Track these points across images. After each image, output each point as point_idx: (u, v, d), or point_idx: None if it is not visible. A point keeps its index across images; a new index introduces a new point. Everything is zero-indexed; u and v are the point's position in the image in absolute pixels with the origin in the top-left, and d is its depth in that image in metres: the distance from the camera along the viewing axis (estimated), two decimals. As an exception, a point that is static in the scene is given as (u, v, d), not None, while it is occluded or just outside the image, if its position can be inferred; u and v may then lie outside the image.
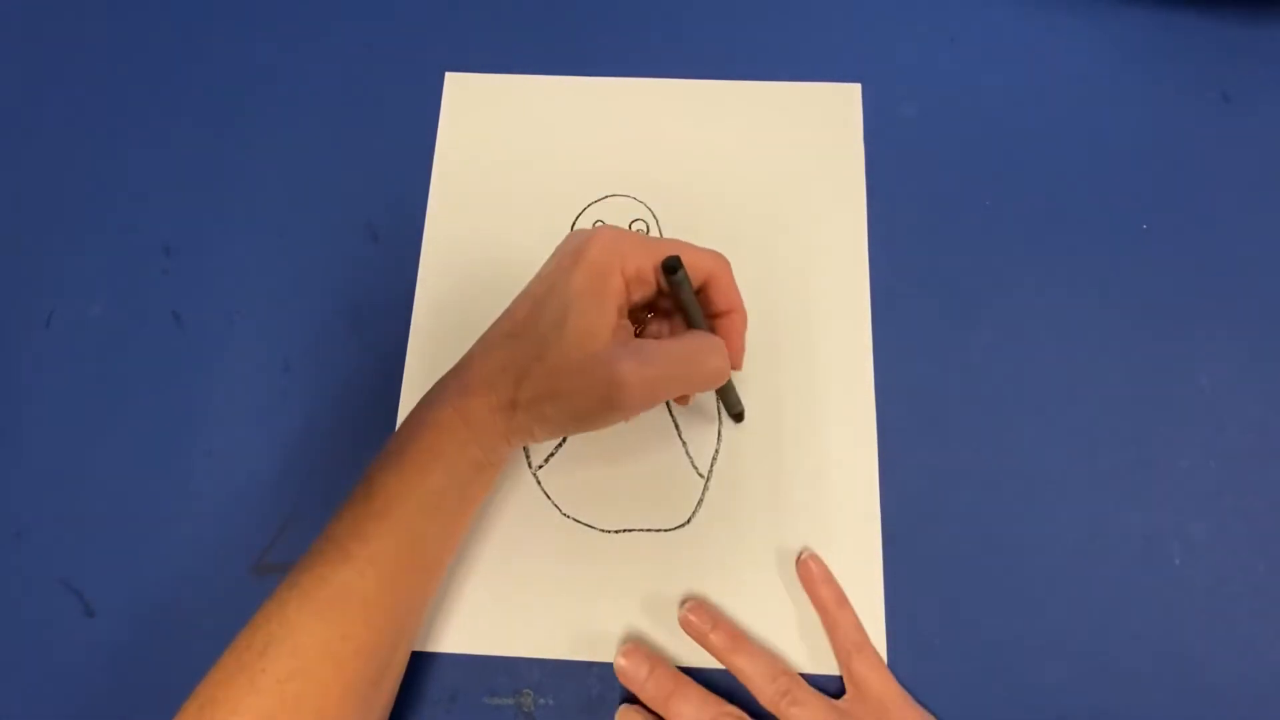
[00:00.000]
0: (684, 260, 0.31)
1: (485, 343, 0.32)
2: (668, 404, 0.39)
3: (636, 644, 0.35)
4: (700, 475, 0.38)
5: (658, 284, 0.32)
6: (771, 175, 0.42)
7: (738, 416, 0.38)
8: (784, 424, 0.38)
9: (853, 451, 0.38)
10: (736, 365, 0.34)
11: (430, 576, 0.33)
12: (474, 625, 0.36)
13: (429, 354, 0.40)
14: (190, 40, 0.46)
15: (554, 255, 0.32)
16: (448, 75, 0.45)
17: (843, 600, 0.35)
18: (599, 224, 0.33)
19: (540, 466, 0.38)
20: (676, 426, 0.38)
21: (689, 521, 0.37)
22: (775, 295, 0.40)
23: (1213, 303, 0.39)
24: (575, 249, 0.31)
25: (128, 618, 0.37)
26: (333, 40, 0.46)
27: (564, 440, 0.38)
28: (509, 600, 0.36)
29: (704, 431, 0.38)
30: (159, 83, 0.46)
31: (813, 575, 0.35)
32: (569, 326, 0.29)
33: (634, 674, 0.34)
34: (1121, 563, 0.36)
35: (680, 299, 0.32)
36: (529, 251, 0.41)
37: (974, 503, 0.37)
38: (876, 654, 0.34)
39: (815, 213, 0.41)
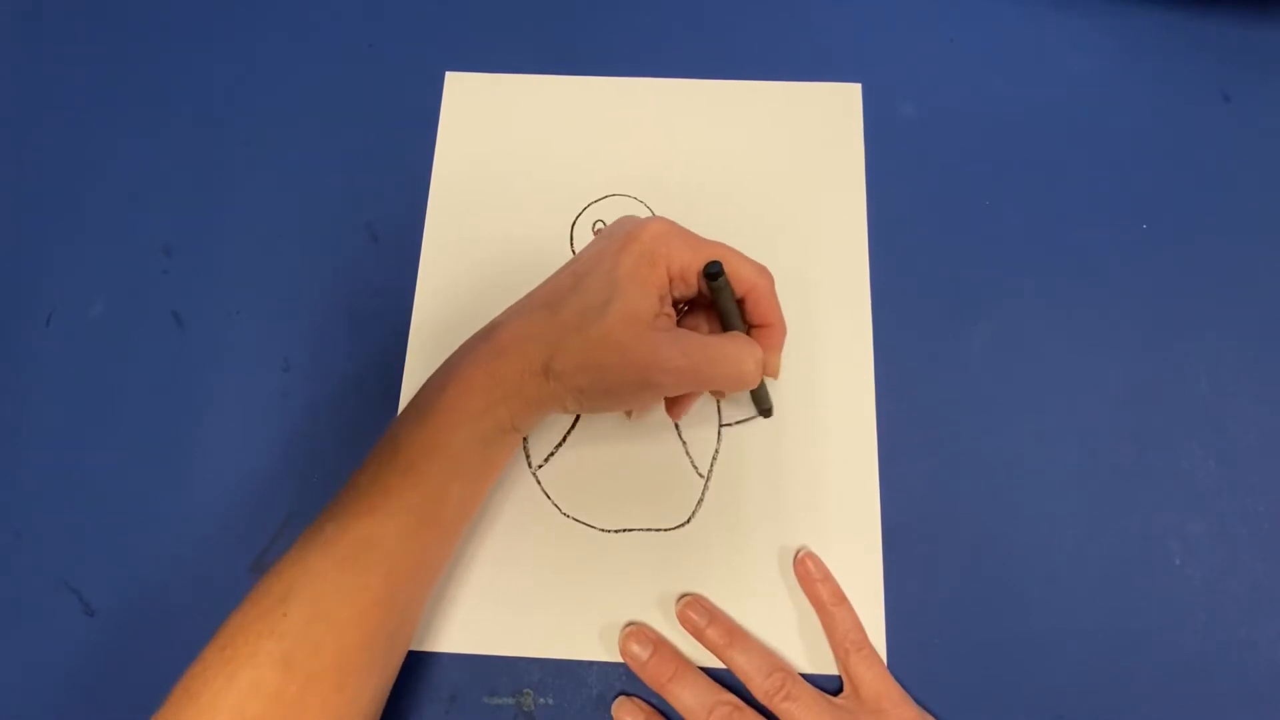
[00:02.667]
0: (727, 269, 0.31)
1: (519, 310, 0.33)
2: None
3: (642, 626, 0.35)
4: (700, 475, 0.38)
5: (699, 285, 0.32)
6: (772, 175, 0.42)
7: (766, 412, 0.38)
8: (784, 424, 0.38)
9: (853, 451, 0.38)
10: (772, 373, 0.35)
11: (449, 537, 0.33)
12: (474, 625, 0.36)
13: (429, 354, 0.40)
14: (190, 40, 0.46)
15: (603, 236, 0.33)
16: (448, 75, 0.45)
17: (840, 598, 0.35)
18: (627, 217, 0.34)
19: (540, 466, 0.38)
20: (677, 426, 0.38)
21: (689, 521, 0.37)
22: (774, 295, 0.40)
23: (1213, 303, 0.39)
24: (627, 233, 0.32)
25: (127, 617, 0.37)
26: (333, 40, 0.46)
27: (564, 440, 0.38)
28: (509, 600, 0.36)
29: (704, 431, 0.38)
30: (159, 83, 0.46)
31: (810, 574, 0.35)
32: (614, 305, 0.30)
33: (637, 654, 0.34)
34: (1121, 563, 0.36)
35: (719, 304, 0.32)
36: (529, 251, 0.41)
37: (974, 503, 0.37)
38: (874, 652, 0.34)
39: (815, 213, 0.41)
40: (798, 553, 0.36)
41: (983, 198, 0.41)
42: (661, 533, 0.37)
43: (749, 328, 0.34)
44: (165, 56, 0.46)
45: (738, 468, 0.38)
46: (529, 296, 0.33)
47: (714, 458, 0.38)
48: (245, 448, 0.39)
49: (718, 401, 0.38)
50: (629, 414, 0.38)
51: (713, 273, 0.31)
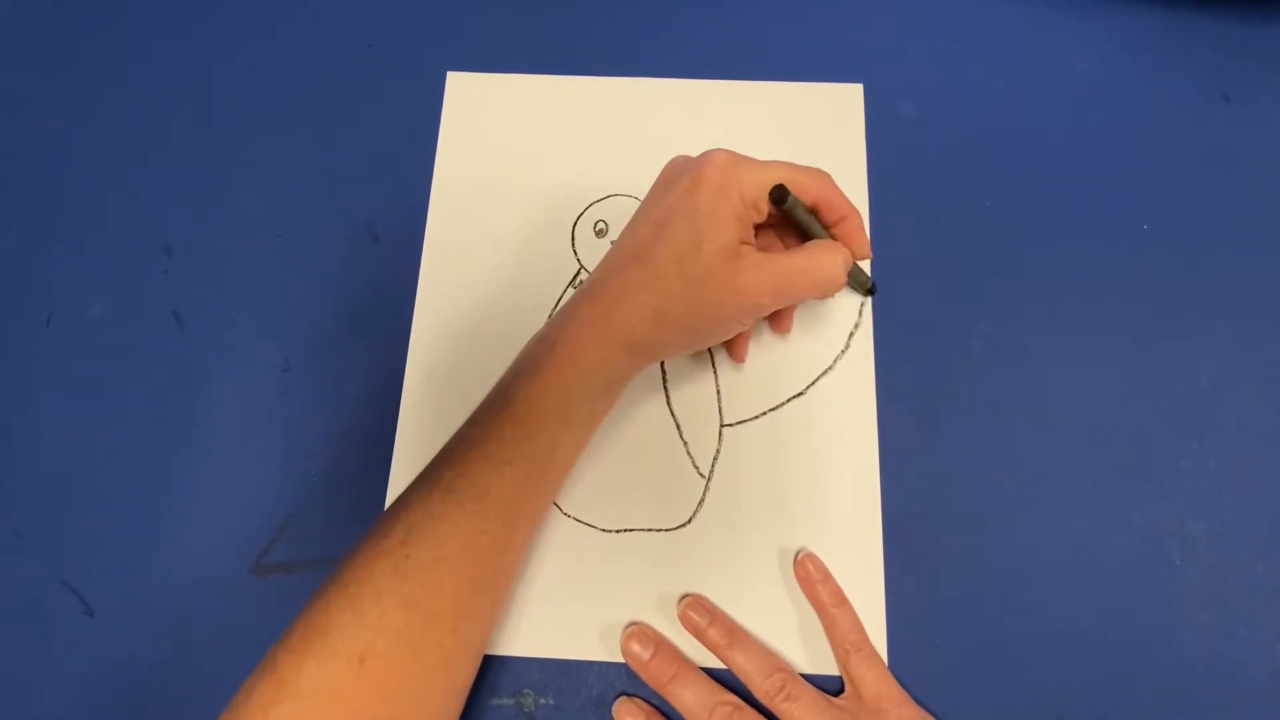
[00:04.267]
0: (789, 185, 0.33)
1: (611, 268, 0.33)
2: (668, 404, 0.39)
3: (643, 626, 0.35)
4: (701, 475, 0.38)
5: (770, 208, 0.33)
6: (772, 175, 0.42)
7: (870, 291, 0.39)
8: (784, 424, 0.38)
9: (853, 451, 0.38)
10: (866, 254, 0.36)
11: (555, 485, 0.34)
12: (474, 625, 0.36)
13: (429, 354, 0.40)
14: (190, 40, 0.46)
15: (667, 180, 0.34)
16: (449, 75, 0.45)
17: (840, 599, 0.35)
18: (676, 157, 0.35)
19: (541, 466, 0.38)
20: (677, 426, 0.38)
21: (689, 521, 0.37)
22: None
23: (1213, 303, 0.39)
24: (695, 172, 0.32)
25: (128, 618, 0.37)
26: (334, 40, 0.46)
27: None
28: (509, 600, 0.36)
29: (704, 431, 0.38)
30: (159, 83, 0.46)
31: (810, 575, 0.35)
32: (705, 244, 0.31)
33: (639, 654, 0.34)
34: (1121, 563, 0.36)
35: (796, 221, 0.34)
36: (529, 251, 0.41)
37: (974, 502, 0.37)
38: (875, 653, 0.34)
39: (815, 213, 0.41)
40: (797, 554, 0.36)
41: (983, 198, 0.41)
42: (662, 533, 0.37)
43: (829, 231, 0.35)
44: (165, 57, 0.46)
45: (738, 468, 0.38)
46: (614, 253, 0.34)
47: (715, 458, 0.38)
48: (245, 448, 0.39)
49: (718, 401, 0.38)
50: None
51: (779, 197, 0.32)
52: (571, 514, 0.37)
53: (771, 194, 0.32)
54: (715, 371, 0.39)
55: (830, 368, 0.39)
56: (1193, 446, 0.37)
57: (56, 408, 0.40)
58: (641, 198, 0.35)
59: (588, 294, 0.33)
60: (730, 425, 0.38)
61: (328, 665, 0.27)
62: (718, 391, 0.39)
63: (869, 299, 0.40)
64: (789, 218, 0.34)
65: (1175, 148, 0.42)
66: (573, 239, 0.42)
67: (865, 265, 0.40)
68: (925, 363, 0.39)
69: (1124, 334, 0.39)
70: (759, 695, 0.33)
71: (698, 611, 0.35)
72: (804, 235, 0.35)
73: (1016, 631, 0.35)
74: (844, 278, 0.33)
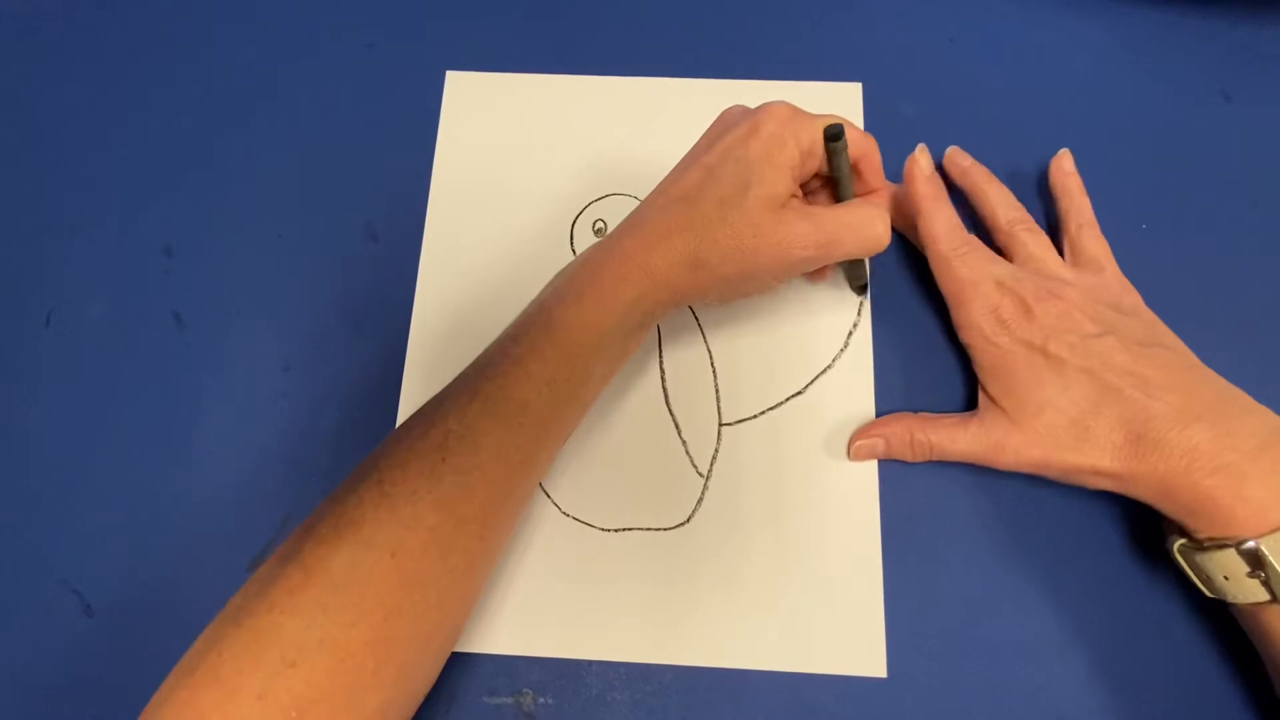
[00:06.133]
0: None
1: (655, 207, 0.34)
2: (667, 403, 0.39)
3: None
4: (700, 475, 0.38)
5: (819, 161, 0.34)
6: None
7: (862, 289, 0.39)
8: (783, 423, 0.38)
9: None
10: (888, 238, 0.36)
11: (583, 412, 0.35)
12: (474, 625, 0.36)
13: (429, 354, 0.40)
14: (190, 40, 0.47)
15: (721, 127, 0.35)
16: (449, 74, 0.45)
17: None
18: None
19: (540, 466, 0.38)
20: (676, 426, 0.38)
21: (689, 521, 0.37)
22: (775, 294, 0.40)
23: (1213, 303, 0.39)
24: (753, 120, 0.33)
25: (127, 617, 0.37)
26: (333, 40, 0.46)
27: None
28: (509, 600, 0.36)
29: (703, 431, 0.38)
30: (159, 83, 0.46)
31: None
32: (752, 191, 0.32)
33: (923, 165, 0.37)
34: (1121, 562, 0.36)
35: (835, 169, 0.34)
36: (529, 251, 0.41)
37: (974, 502, 0.37)
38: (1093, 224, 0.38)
39: (815, 212, 0.41)
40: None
41: (983, 197, 0.41)
42: (661, 532, 0.37)
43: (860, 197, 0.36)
44: (165, 57, 0.46)
45: (738, 467, 0.38)
46: (660, 192, 0.34)
47: (714, 457, 0.38)
48: (245, 448, 0.39)
49: (717, 400, 0.38)
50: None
51: (835, 133, 0.32)
52: (571, 513, 0.37)
53: (828, 129, 0.32)
54: (714, 371, 0.39)
55: (829, 367, 0.39)
56: (1193, 446, 0.37)
57: (56, 408, 0.40)
58: (641, 197, 0.35)
59: (631, 228, 0.34)
60: (729, 424, 0.38)
61: (359, 556, 0.27)
62: (717, 391, 0.39)
63: (866, 298, 0.40)
64: (831, 165, 0.34)
65: (1175, 148, 0.42)
66: (571, 238, 0.42)
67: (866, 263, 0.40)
68: (925, 362, 0.39)
69: (1124, 334, 0.39)
70: (1004, 223, 0.37)
71: (963, 156, 0.40)
72: (835, 198, 0.35)
73: (1016, 631, 0.35)
74: (888, 237, 0.33)
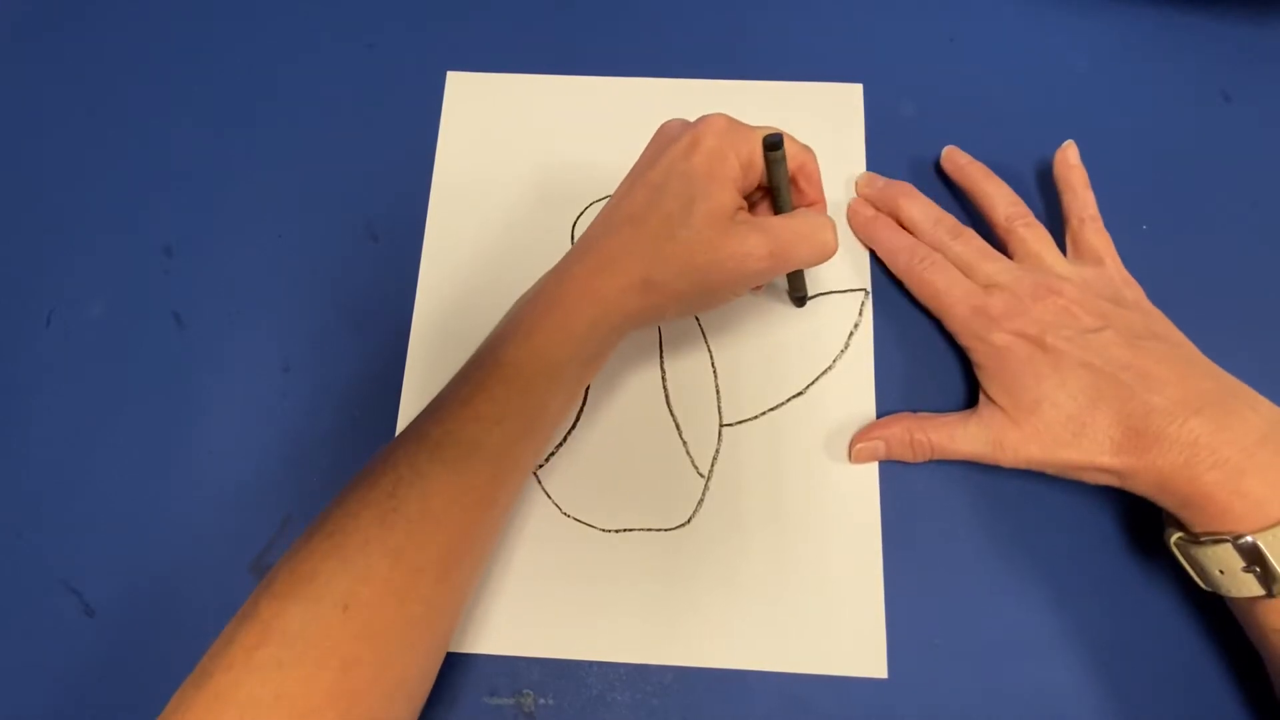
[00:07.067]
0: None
1: (604, 228, 0.33)
2: (668, 403, 0.39)
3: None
4: (700, 475, 0.38)
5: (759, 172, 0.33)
6: (772, 175, 0.42)
7: (799, 301, 0.39)
8: (784, 424, 0.38)
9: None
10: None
11: (543, 443, 0.34)
12: (474, 625, 0.36)
13: (429, 354, 0.40)
14: (190, 40, 0.46)
15: (663, 140, 0.34)
16: (449, 74, 0.45)
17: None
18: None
19: (540, 466, 0.38)
20: (677, 426, 0.38)
21: (689, 521, 0.37)
22: (775, 295, 0.40)
23: (1213, 303, 0.39)
24: (693, 134, 0.33)
25: (127, 617, 0.37)
26: (333, 40, 0.46)
27: (564, 440, 0.38)
28: (509, 600, 0.36)
29: (704, 431, 0.38)
30: (159, 83, 0.46)
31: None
32: (697, 207, 0.31)
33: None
34: (1121, 562, 0.36)
35: (775, 179, 0.33)
36: (530, 251, 0.41)
37: (974, 502, 0.37)
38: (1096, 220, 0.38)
39: (815, 213, 0.41)
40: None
41: (983, 198, 0.41)
42: (661, 532, 0.37)
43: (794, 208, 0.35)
44: (165, 57, 0.46)
45: (738, 468, 0.38)
46: (608, 213, 0.34)
47: (714, 458, 0.38)
48: (245, 448, 0.39)
49: (717, 401, 0.38)
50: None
51: (774, 142, 0.32)
52: (571, 514, 0.37)
53: (766, 139, 0.32)
54: (715, 371, 0.39)
55: (830, 367, 0.39)
56: (1193, 446, 0.37)
57: (56, 408, 0.40)
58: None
59: (580, 255, 0.33)
60: (730, 425, 0.38)
61: (312, 611, 0.27)
62: (717, 391, 0.39)
63: (868, 299, 0.40)
64: (770, 175, 0.33)
65: (1175, 148, 0.42)
66: (572, 238, 0.42)
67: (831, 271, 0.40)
68: (925, 362, 0.39)
69: (1124, 334, 0.39)
70: (1002, 219, 0.37)
71: (960, 155, 0.40)
72: (774, 209, 0.35)
73: (1016, 631, 0.35)
74: (837, 245, 0.33)
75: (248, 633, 0.27)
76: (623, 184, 0.35)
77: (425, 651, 0.30)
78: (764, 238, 0.32)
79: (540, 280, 0.34)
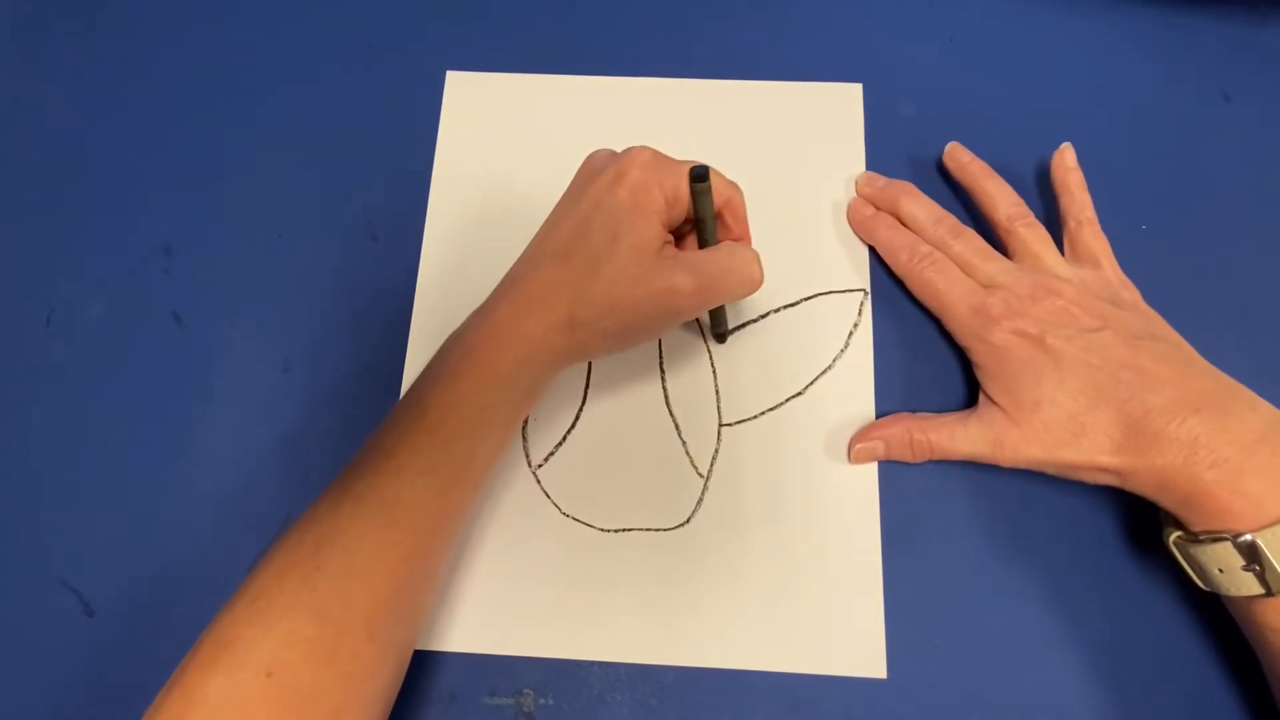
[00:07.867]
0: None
1: (531, 262, 0.33)
2: (667, 403, 0.39)
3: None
4: (700, 475, 0.38)
5: (686, 206, 0.33)
6: (772, 175, 0.42)
7: (720, 337, 0.39)
8: (783, 424, 0.38)
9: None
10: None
11: (475, 492, 0.33)
12: (473, 625, 0.36)
13: (429, 354, 0.39)
14: (190, 40, 0.46)
15: (589, 172, 0.34)
16: (449, 74, 0.45)
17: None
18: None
19: (540, 465, 0.38)
20: (676, 426, 0.38)
21: (689, 521, 0.37)
22: (775, 295, 0.40)
23: (1212, 303, 0.39)
24: (617, 168, 0.32)
25: (127, 617, 0.37)
26: (333, 40, 0.46)
27: (564, 439, 0.38)
28: (508, 600, 0.36)
29: (703, 431, 0.38)
30: (159, 82, 0.46)
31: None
32: (622, 243, 0.31)
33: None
34: (1120, 562, 0.36)
35: (700, 212, 0.33)
36: (529, 251, 0.41)
37: (974, 502, 0.37)
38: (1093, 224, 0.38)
39: (816, 212, 0.41)
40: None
41: (983, 198, 0.41)
42: (661, 532, 0.37)
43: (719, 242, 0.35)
44: (165, 56, 0.46)
45: (738, 468, 0.38)
46: (536, 246, 0.33)
47: (714, 458, 0.38)
48: (245, 448, 0.39)
49: (717, 401, 0.38)
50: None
51: (699, 174, 0.31)
52: (570, 514, 0.37)
53: (692, 170, 0.31)
54: (714, 371, 0.39)
55: (829, 367, 0.39)
56: (1192, 446, 0.37)
57: (56, 407, 0.40)
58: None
59: (507, 291, 0.33)
60: (729, 425, 0.38)
61: (233, 679, 0.27)
62: (716, 391, 0.39)
63: (867, 299, 0.40)
64: (695, 207, 0.33)
65: (1175, 148, 0.42)
66: (572, 239, 0.41)
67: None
68: (924, 362, 0.39)
69: (1124, 334, 0.39)
70: (1003, 219, 0.38)
71: (962, 152, 0.40)
72: (700, 243, 0.34)
73: (1016, 631, 0.35)
74: (762, 278, 0.32)
75: (173, 703, 0.27)
76: (550, 215, 0.34)
77: (362, 707, 0.29)
78: (689, 272, 0.31)
79: (468, 318, 0.33)
